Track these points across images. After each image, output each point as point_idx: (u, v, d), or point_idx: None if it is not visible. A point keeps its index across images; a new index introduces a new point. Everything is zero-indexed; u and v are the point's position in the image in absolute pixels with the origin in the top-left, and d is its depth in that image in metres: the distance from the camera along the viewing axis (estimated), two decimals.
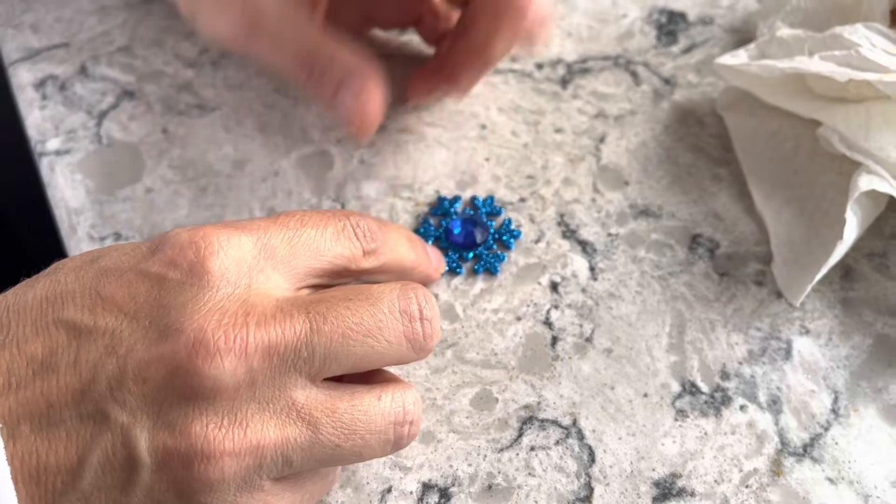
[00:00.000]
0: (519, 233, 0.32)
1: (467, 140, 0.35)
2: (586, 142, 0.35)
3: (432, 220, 0.32)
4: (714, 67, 0.35)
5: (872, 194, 0.31)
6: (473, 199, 0.33)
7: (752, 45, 0.35)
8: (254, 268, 0.22)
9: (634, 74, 0.37)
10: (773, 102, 0.34)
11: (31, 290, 0.21)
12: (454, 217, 0.32)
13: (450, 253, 0.31)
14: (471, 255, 0.31)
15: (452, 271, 0.31)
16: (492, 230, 0.32)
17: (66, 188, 0.33)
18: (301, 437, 0.20)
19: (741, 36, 0.39)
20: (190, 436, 0.19)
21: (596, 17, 0.40)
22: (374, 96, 0.28)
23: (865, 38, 0.32)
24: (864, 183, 0.30)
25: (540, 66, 0.38)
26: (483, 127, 0.35)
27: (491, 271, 0.31)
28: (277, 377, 0.20)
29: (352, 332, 0.21)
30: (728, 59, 0.34)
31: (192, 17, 0.29)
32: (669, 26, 0.39)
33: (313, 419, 0.21)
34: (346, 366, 0.21)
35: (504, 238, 0.32)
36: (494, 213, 0.32)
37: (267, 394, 0.20)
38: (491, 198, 0.33)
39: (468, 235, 0.31)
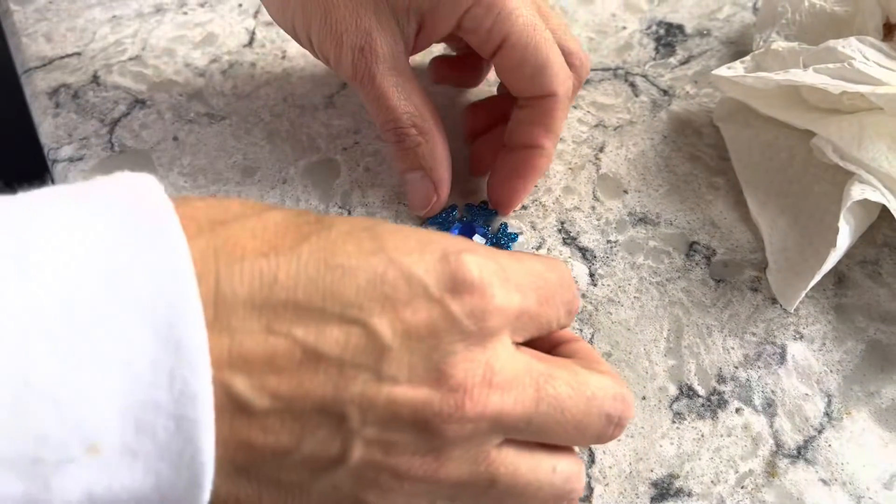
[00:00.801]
0: (516, 235, 0.33)
1: (470, 148, 0.36)
2: (586, 151, 0.36)
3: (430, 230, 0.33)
4: (711, 79, 0.36)
5: (865, 203, 0.31)
6: (468, 206, 0.34)
7: (748, 58, 0.36)
8: (511, 329, 0.22)
9: (633, 86, 0.38)
10: (768, 113, 0.35)
11: (297, 241, 0.20)
12: (452, 224, 0.33)
13: None
14: None
15: None
16: (489, 235, 0.33)
17: None
18: (479, 487, 0.22)
19: (738, 48, 0.40)
20: (397, 460, 0.20)
21: (596, 28, 0.41)
22: (442, 195, 0.32)
23: (859, 51, 0.33)
24: (857, 192, 0.30)
25: None
26: None
27: None
28: (493, 435, 0.21)
29: (564, 419, 0.22)
30: (724, 71, 0.35)
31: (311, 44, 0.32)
32: (668, 38, 0.40)
33: (496, 475, 0.21)
34: (541, 437, 0.22)
35: (502, 242, 0.32)
36: (489, 217, 0.33)
37: (475, 444, 0.21)
38: (485, 203, 0.33)
39: None
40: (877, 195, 0.30)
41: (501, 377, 0.21)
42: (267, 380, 0.19)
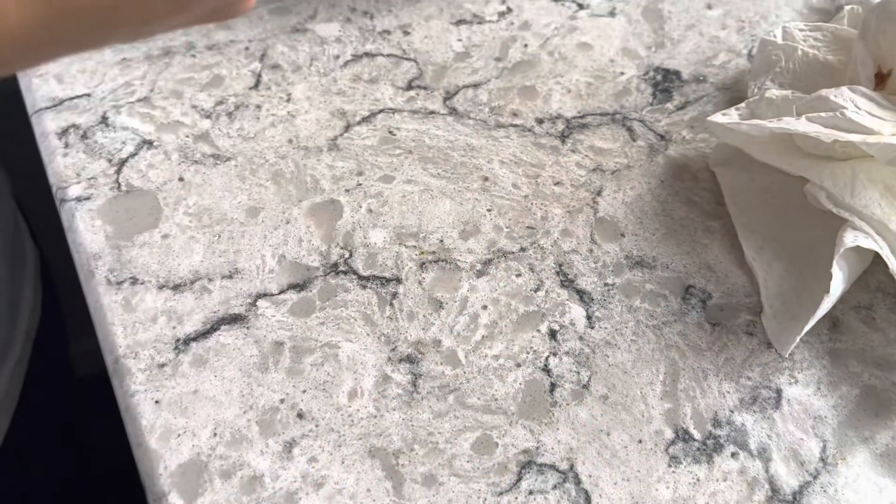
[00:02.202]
0: None
1: (470, 191, 0.36)
2: (584, 194, 0.36)
3: None
4: (707, 125, 0.36)
5: (859, 249, 0.32)
6: None
7: (742, 105, 0.37)
8: None
9: (631, 130, 0.39)
10: (763, 160, 0.36)
11: None
12: None
13: None
14: None
15: None
16: None
17: (86, 233, 0.34)
18: None
19: (733, 94, 0.41)
20: None
21: (594, 74, 0.41)
22: None
23: (850, 100, 0.34)
24: (850, 239, 0.31)
25: (540, 122, 0.39)
26: (485, 179, 0.37)
27: None
28: None
29: None
30: (720, 118, 0.36)
31: None
32: (665, 84, 0.41)
33: None
34: None
35: None
36: None
37: None
38: None
39: None
40: (869, 242, 0.31)
41: None
42: None
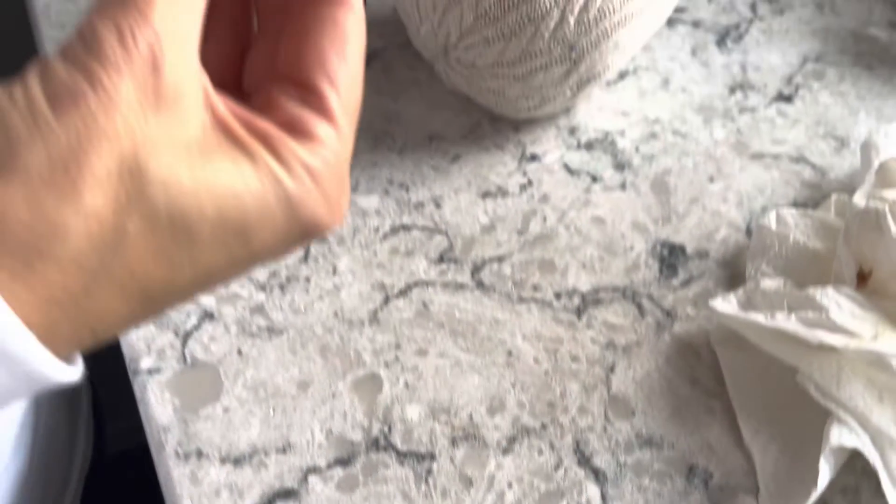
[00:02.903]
0: None
1: (496, 366, 0.41)
2: (598, 371, 0.41)
3: None
4: (709, 307, 0.41)
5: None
6: None
7: (740, 291, 0.41)
8: None
9: (640, 306, 0.43)
10: (758, 345, 0.40)
11: (165, 276, 0.21)
12: None
13: None
14: None
15: None
16: None
17: (156, 406, 0.39)
18: None
19: (732, 271, 0.45)
20: None
21: (606, 248, 0.46)
22: None
23: (835, 301, 0.38)
24: (835, 437, 0.35)
25: (558, 296, 0.44)
26: (510, 353, 0.41)
27: None
28: None
29: None
30: (720, 305, 0.40)
31: None
32: (670, 259, 0.46)
33: None
34: None
35: None
36: None
37: None
38: None
39: None
40: (853, 438, 0.35)
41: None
42: None
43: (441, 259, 0.46)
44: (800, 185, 0.50)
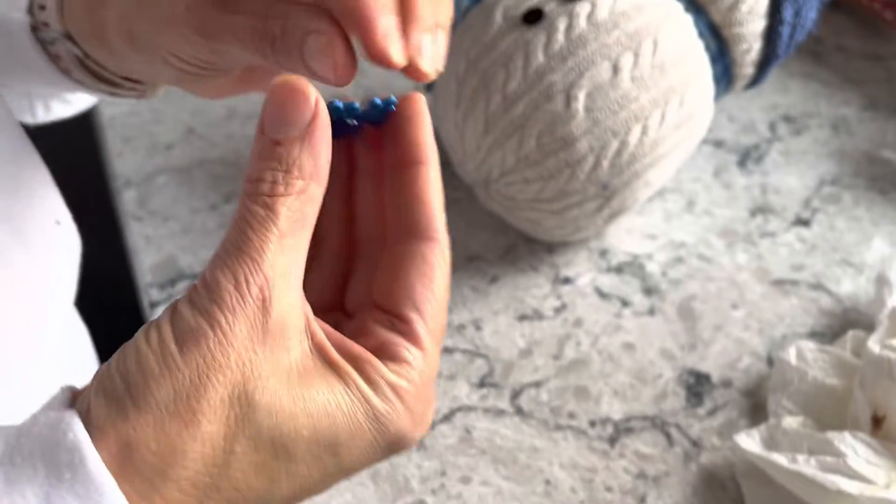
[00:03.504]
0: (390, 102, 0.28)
1: (536, 495, 0.44)
2: (631, 502, 0.44)
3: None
4: (733, 440, 0.44)
5: None
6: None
7: (763, 428, 0.44)
8: None
9: (668, 436, 0.47)
10: (781, 481, 0.43)
11: (267, 487, 0.24)
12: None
13: None
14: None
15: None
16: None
17: None
18: None
19: (755, 401, 0.48)
20: None
21: (637, 375, 0.49)
22: (340, 45, 0.24)
23: (851, 447, 0.41)
24: None
25: (593, 424, 0.47)
26: (548, 482, 0.45)
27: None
28: None
29: None
30: (744, 441, 0.43)
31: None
32: (696, 388, 0.49)
33: None
34: None
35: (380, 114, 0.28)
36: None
37: None
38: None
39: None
40: None
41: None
42: None
43: (482, 383, 0.49)
44: (818, 314, 0.53)
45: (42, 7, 0.33)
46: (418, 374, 0.25)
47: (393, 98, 0.28)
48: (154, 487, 0.22)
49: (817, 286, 0.54)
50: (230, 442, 0.23)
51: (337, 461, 0.24)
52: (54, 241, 0.39)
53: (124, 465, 0.22)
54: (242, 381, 0.23)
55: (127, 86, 0.35)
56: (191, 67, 0.29)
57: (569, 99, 0.48)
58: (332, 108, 0.27)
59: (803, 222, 0.58)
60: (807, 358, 0.47)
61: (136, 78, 0.34)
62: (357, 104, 0.28)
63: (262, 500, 0.24)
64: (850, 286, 0.54)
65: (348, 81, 0.25)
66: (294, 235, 0.24)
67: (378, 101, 0.28)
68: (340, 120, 0.27)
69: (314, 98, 0.24)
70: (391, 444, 0.25)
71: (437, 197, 0.27)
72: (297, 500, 0.25)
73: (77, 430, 0.21)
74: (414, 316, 0.26)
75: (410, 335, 0.26)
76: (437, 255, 0.27)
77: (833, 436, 0.41)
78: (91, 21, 0.31)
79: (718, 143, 0.64)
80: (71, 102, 0.43)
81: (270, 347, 0.23)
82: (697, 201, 0.60)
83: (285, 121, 0.24)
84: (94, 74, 0.34)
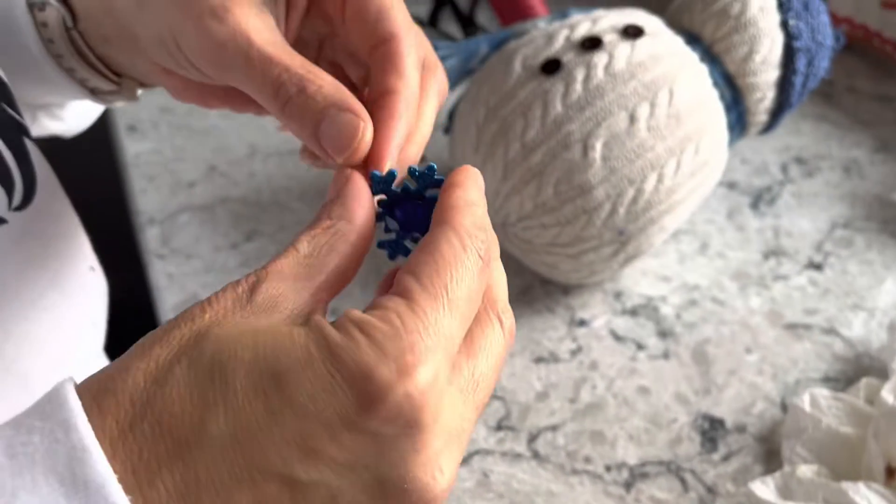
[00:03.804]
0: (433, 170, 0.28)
1: None
2: None
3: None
4: (748, 487, 0.44)
5: None
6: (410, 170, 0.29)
7: (778, 475, 0.45)
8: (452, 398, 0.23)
9: (683, 481, 0.47)
10: None
11: (200, 415, 0.21)
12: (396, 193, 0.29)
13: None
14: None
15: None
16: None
17: None
18: None
19: (769, 447, 0.49)
20: None
21: (652, 420, 0.50)
22: (367, 120, 0.28)
23: (866, 498, 0.41)
24: None
25: (608, 469, 0.48)
26: None
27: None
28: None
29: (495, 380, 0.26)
30: (759, 489, 0.44)
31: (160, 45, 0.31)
32: (711, 432, 0.49)
33: None
34: None
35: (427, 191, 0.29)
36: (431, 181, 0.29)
37: None
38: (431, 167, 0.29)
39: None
40: None
41: (453, 445, 0.23)
42: None
43: (499, 426, 0.50)
44: (831, 359, 0.53)
45: None
46: (398, 316, 0.22)
47: (432, 167, 0.28)
48: (95, 400, 0.21)
49: (830, 331, 0.55)
50: (170, 362, 0.22)
51: (282, 395, 0.21)
52: (88, 287, 0.40)
53: (86, 384, 0.22)
54: (207, 325, 0.22)
55: (107, 74, 0.37)
56: (181, 77, 0.33)
57: (586, 148, 0.49)
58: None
59: (816, 266, 0.59)
60: (821, 405, 0.48)
61: (117, 68, 0.37)
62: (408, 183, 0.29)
63: (197, 430, 0.21)
64: (863, 330, 0.55)
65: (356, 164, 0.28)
66: (313, 259, 0.25)
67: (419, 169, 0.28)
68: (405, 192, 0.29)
69: (348, 172, 0.27)
70: (356, 383, 0.21)
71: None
72: (241, 444, 0.21)
73: (66, 383, 0.22)
74: (406, 276, 0.24)
75: (400, 292, 0.24)
76: (449, 235, 0.25)
77: (848, 486, 0.42)
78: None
79: (731, 185, 0.65)
80: (62, 119, 0.44)
81: (251, 312, 0.23)
82: (711, 243, 0.61)
83: (331, 191, 0.27)
84: (80, 56, 0.36)
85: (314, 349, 0.22)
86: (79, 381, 0.22)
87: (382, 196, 0.29)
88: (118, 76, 0.37)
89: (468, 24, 0.85)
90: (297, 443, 0.21)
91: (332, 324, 0.23)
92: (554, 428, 0.50)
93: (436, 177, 0.28)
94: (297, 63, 0.28)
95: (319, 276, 0.25)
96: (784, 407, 0.51)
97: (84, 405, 0.21)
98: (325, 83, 0.28)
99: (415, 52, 0.30)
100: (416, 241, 0.30)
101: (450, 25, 0.87)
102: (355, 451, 0.21)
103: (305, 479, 0.21)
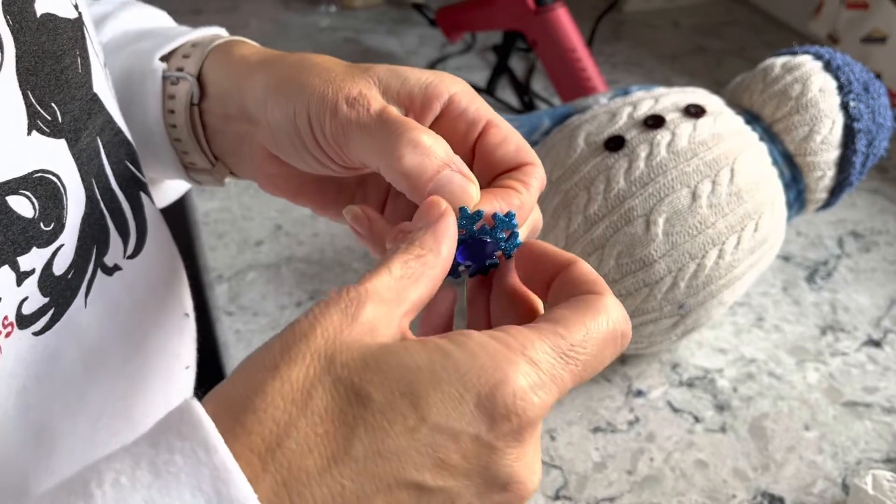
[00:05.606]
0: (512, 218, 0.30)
1: None
2: None
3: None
4: None
5: None
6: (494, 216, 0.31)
7: None
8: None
9: None
10: None
11: (344, 434, 0.23)
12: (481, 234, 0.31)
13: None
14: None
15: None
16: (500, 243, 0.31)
17: None
18: None
19: None
20: None
21: (710, 495, 0.50)
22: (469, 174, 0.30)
23: None
24: None
25: None
26: None
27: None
28: None
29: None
30: None
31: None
32: None
33: None
34: None
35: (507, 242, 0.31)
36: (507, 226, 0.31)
37: None
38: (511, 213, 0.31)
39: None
40: None
41: (538, 445, 0.26)
42: None
43: (557, 496, 0.50)
44: (892, 439, 0.53)
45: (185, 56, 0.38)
46: (509, 335, 0.25)
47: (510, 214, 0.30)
48: (237, 420, 0.23)
49: (891, 410, 0.55)
50: (308, 386, 0.23)
51: (417, 415, 0.23)
52: (183, 332, 0.42)
53: (216, 403, 0.23)
54: (325, 346, 0.24)
55: (208, 154, 0.40)
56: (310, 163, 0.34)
57: (648, 223, 0.51)
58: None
59: (875, 343, 0.59)
60: (884, 488, 0.47)
61: (218, 150, 0.40)
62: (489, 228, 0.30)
63: (342, 450, 0.23)
64: None
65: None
66: (404, 283, 0.26)
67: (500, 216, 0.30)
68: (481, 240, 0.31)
69: (444, 206, 0.29)
70: (482, 402, 0.24)
71: None
72: (383, 458, 0.23)
73: (193, 403, 0.23)
74: (547, 320, 0.26)
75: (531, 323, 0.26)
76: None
77: None
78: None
79: (787, 258, 0.65)
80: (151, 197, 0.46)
81: (358, 333, 0.25)
82: (766, 316, 0.61)
83: (421, 219, 0.28)
84: (192, 129, 0.39)
85: (440, 369, 0.24)
86: None
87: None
88: (216, 159, 0.40)
89: (524, 92, 0.88)
90: (429, 454, 0.23)
91: (451, 341, 0.25)
92: (612, 500, 0.50)
93: (512, 221, 0.30)
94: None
95: (405, 305, 0.27)
96: (845, 487, 0.50)
97: (226, 424, 0.23)
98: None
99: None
100: (467, 268, 0.32)
101: (506, 92, 0.90)
102: (475, 460, 0.24)
103: (433, 486, 0.23)
